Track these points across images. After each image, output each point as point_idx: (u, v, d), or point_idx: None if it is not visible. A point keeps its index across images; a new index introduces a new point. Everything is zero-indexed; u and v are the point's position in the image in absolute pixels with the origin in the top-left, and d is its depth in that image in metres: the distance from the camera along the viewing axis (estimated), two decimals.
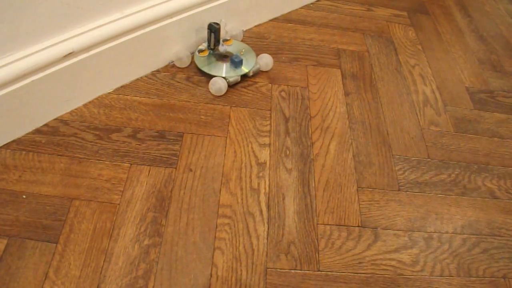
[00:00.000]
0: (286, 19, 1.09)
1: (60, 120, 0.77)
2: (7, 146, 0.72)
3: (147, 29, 0.80)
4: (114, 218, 0.66)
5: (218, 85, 0.85)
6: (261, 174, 0.76)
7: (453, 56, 1.12)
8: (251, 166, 0.77)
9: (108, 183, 0.70)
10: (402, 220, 0.75)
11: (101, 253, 0.62)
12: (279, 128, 0.84)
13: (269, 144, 0.81)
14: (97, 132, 0.76)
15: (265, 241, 0.68)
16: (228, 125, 0.82)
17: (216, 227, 0.68)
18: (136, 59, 0.83)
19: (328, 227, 0.71)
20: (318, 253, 0.68)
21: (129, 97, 0.83)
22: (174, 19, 0.84)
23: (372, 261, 0.69)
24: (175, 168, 0.74)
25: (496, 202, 0.81)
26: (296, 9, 1.13)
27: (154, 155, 0.75)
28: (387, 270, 0.68)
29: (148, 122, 0.79)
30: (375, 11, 1.20)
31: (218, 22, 0.87)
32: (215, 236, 0.67)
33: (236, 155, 0.78)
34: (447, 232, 0.75)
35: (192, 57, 0.92)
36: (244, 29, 1.02)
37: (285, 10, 1.11)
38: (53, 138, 0.74)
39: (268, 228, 0.69)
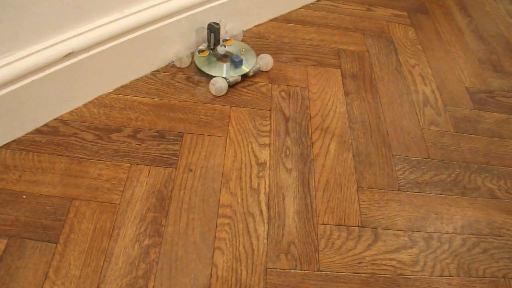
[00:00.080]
0: (286, 19, 1.09)
1: (60, 120, 0.77)
2: (7, 146, 0.72)
3: (147, 29, 0.80)
4: (114, 218, 0.66)
5: (218, 85, 0.85)
6: (261, 174, 0.76)
7: (453, 56, 1.12)
8: (251, 166, 0.77)
9: (108, 183, 0.70)
10: (402, 220, 0.75)
11: (101, 253, 0.62)
12: (279, 128, 0.84)
13: (269, 144, 0.81)
14: (97, 132, 0.76)
15: (265, 241, 0.68)
16: (228, 125, 0.82)
17: (216, 227, 0.68)
18: (136, 59, 0.83)
19: (328, 227, 0.71)
20: (318, 253, 0.68)
21: (129, 97, 0.83)
22: (174, 19, 0.84)
23: (372, 261, 0.69)
24: (175, 168, 0.74)
25: (496, 202, 0.81)
26: (296, 9, 1.13)
27: (154, 155, 0.75)
28: (387, 270, 0.68)
29: (148, 122, 0.79)
30: (375, 11, 1.20)
31: (218, 22, 0.87)
32: (215, 236, 0.67)
33: (236, 155, 0.78)
34: (447, 232, 0.75)
35: (192, 57, 0.92)
36: (244, 29, 1.02)
37: (285, 10, 1.11)
38: (53, 138, 0.74)
39: (268, 228, 0.69)
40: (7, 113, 0.69)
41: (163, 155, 0.75)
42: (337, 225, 0.72)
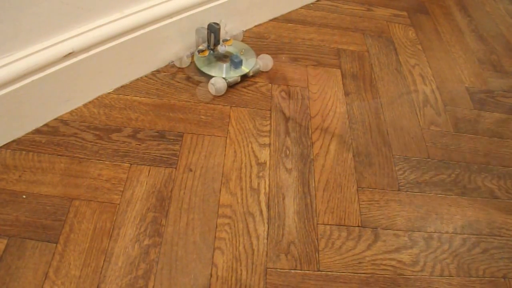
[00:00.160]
0: (286, 19, 1.09)
1: (60, 120, 0.77)
2: (7, 146, 0.72)
3: (147, 29, 0.80)
4: (114, 218, 0.66)
5: (218, 85, 0.85)
6: (261, 174, 0.76)
7: (453, 56, 1.12)
8: (251, 166, 0.77)
9: (108, 183, 0.70)
10: (402, 220, 0.75)
11: (101, 253, 0.62)
12: (279, 128, 0.84)
13: (269, 144, 0.81)
14: (97, 132, 0.76)
15: (265, 241, 0.68)
16: (228, 125, 0.82)
17: (216, 227, 0.68)
18: (136, 59, 0.83)
19: (328, 227, 0.71)
20: (318, 253, 0.68)
21: (129, 97, 0.83)
22: (174, 19, 0.84)
23: (372, 261, 0.69)
24: (175, 168, 0.74)
25: (496, 202, 0.81)
26: (296, 9, 1.13)
27: (154, 155, 0.75)
28: (387, 270, 0.68)
29: (148, 122, 0.79)
30: (375, 11, 1.20)
31: (218, 22, 0.87)
32: (215, 236, 0.67)
33: (236, 155, 0.78)
34: (447, 232, 0.75)
35: (192, 57, 0.92)
36: (244, 29, 1.02)
37: (285, 10, 1.11)
38: (53, 138, 0.74)
39: (268, 228, 0.69)
40: (7, 113, 0.69)
41: (163, 155, 0.75)
42: (337, 225, 0.72)
